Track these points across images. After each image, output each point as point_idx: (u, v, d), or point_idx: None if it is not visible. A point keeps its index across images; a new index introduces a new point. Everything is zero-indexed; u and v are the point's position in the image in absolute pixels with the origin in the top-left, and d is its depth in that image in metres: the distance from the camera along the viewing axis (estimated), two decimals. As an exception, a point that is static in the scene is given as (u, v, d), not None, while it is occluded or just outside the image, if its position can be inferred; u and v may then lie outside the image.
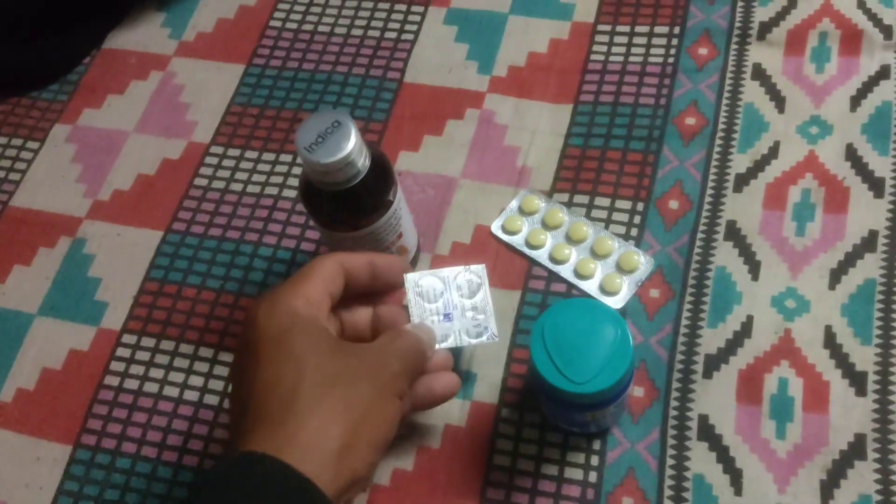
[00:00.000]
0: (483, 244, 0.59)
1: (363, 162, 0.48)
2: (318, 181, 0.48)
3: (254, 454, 0.39)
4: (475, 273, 0.52)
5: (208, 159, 0.65)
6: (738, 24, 0.64)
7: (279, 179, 0.63)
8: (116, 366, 0.58)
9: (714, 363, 0.53)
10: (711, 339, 0.53)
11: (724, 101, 0.61)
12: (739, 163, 0.59)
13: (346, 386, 0.41)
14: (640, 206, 0.58)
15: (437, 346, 0.49)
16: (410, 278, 0.50)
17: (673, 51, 0.64)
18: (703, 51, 0.63)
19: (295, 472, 0.38)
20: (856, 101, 0.60)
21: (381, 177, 0.50)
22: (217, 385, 0.56)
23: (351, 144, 0.46)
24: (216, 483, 0.39)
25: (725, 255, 0.56)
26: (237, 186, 0.63)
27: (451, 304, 0.52)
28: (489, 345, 0.51)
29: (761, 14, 0.64)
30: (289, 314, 0.43)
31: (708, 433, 0.51)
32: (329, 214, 0.51)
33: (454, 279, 0.52)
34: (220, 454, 0.54)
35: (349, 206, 0.50)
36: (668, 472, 0.50)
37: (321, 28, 0.70)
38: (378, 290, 0.50)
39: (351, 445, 0.40)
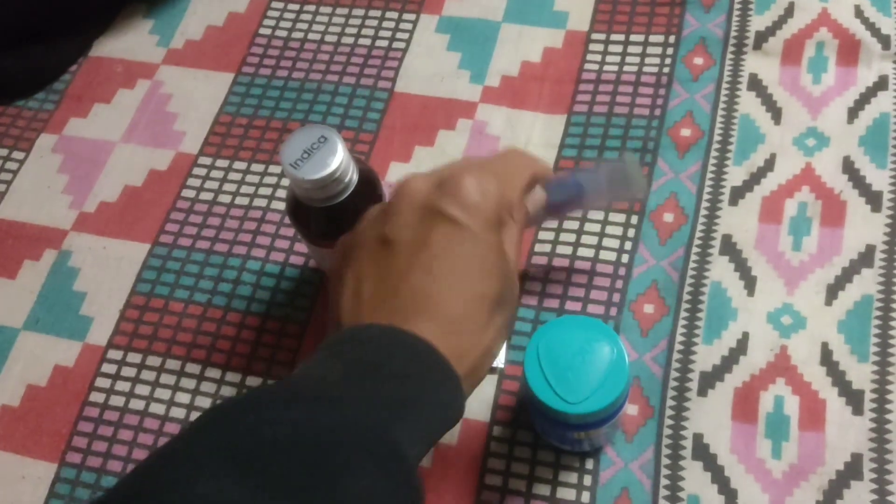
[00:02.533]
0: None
1: (350, 177, 0.47)
2: (305, 197, 0.47)
3: (379, 325, 0.38)
4: None
5: (196, 170, 0.64)
6: (734, 34, 0.63)
7: (268, 191, 0.62)
8: (102, 382, 0.57)
9: (709, 381, 0.52)
10: (706, 356, 0.53)
11: (720, 112, 0.60)
12: (735, 175, 0.58)
13: (481, 269, 0.41)
14: (634, 220, 0.57)
15: None
16: None
17: (668, 60, 0.63)
18: (698, 60, 0.63)
19: (426, 343, 0.38)
20: (853, 113, 0.59)
21: (368, 192, 0.49)
22: (204, 402, 0.55)
23: (337, 160, 0.45)
24: (349, 338, 0.39)
25: (721, 270, 0.55)
26: (225, 198, 0.62)
27: None
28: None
29: (758, 23, 0.63)
30: (493, 205, 0.42)
31: (702, 452, 0.50)
32: (316, 230, 0.50)
33: None
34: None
35: (336, 222, 0.49)
36: (663, 492, 0.49)
37: (311, 36, 0.69)
38: None
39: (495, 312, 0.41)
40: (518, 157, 0.46)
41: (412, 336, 0.38)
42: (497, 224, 0.42)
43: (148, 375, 0.57)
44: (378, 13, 0.69)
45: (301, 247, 0.60)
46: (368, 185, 0.49)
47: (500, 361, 0.54)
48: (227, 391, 0.55)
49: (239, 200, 0.62)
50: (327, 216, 0.48)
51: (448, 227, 0.40)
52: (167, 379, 0.56)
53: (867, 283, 0.53)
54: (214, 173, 0.63)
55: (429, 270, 0.39)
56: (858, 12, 0.62)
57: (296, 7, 0.70)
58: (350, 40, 0.68)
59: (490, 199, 0.41)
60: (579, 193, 0.50)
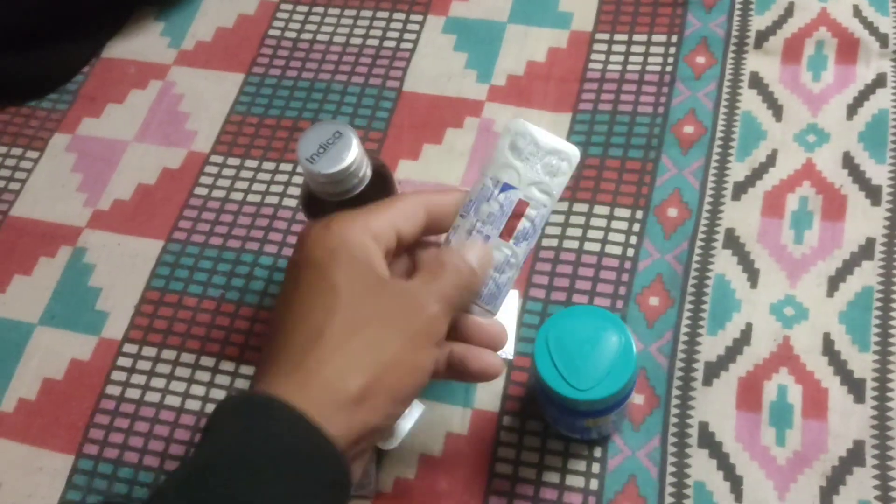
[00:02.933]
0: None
1: (364, 171, 0.48)
2: (320, 191, 0.48)
3: (262, 397, 0.36)
4: (507, 297, 0.52)
5: (208, 168, 0.65)
6: (735, 33, 0.64)
7: (279, 188, 0.63)
8: (118, 375, 0.58)
9: (714, 370, 0.53)
10: (711, 347, 0.54)
11: (722, 110, 0.62)
12: (737, 171, 0.59)
13: (376, 328, 0.38)
14: (639, 214, 0.59)
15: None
16: None
17: (671, 59, 0.64)
18: (700, 59, 0.64)
19: (304, 419, 0.35)
20: (852, 110, 0.60)
21: (381, 186, 0.50)
22: (219, 394, 0.56)
23: (352, 155, 0.46)
24: (217, 427, 0.37)
25: (724, 263, 0.56)
26: (237, 195, 0.64)
27: None
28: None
29: (758, 23, 0.65)
30: (338, 239, 0.39)
31: (708, 440, 0.51)
32: (331, 224, 0.51)
33: None
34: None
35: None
36: (669, 479, 0.51)
37: (320, 37, 0.70)
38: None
39: (370, 394, 0.37)
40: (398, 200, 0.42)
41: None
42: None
43: (163, 368, 0.58)
44: (386, 14, 0.70)
45: (312, 242, 0.61)
46: (382, 179, 0.50)
47: (509, 353, 0.55)
48: (241, 384, 0.57)
49: (251, 197, 0.63)
50: (341, 210, 0.49)
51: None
52: (182, 372, 0.57)
53: (867, 275, 0.54)
54: (226, 171, 0.65)
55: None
56: (857, 12, 0.63)
57: (304, 9, 0.71)
58: (358, 41, 0.69)
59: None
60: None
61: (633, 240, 0.58)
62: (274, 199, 0.63)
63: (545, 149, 0.42)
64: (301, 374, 0.37)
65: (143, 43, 0.72)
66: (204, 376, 0.57)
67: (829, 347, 0.53)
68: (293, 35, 0.70)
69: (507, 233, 0.42)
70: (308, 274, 0.39)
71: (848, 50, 0.62)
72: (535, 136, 0.42)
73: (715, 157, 0.60)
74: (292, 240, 0.61)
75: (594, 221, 0.59)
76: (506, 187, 0.42)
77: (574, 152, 0.42)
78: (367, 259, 0.39)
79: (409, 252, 0.43)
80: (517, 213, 0.42)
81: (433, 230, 0.42)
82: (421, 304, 0.39)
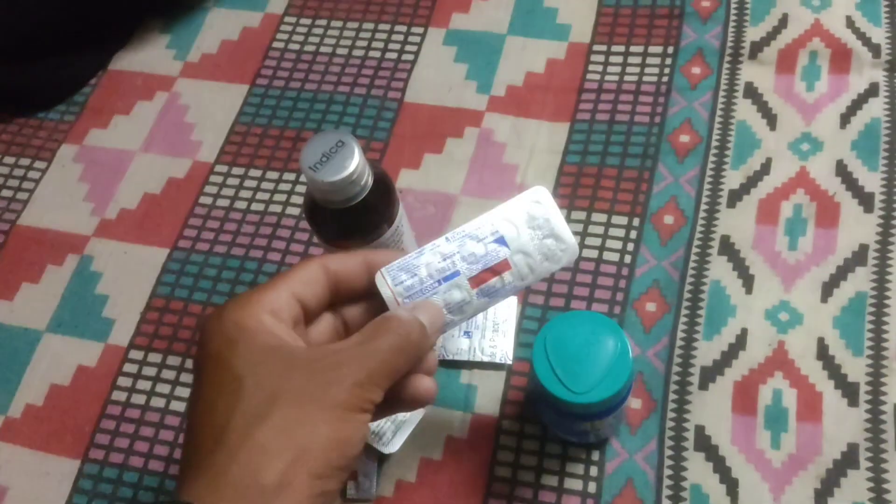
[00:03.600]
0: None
1: (366, 180, 0.49)
2: (323, 199, 0.49)
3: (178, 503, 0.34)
4: (506, 303, 0.54)
5: (213, 178, 0.66)
6: (730, 44, 0.66)
7: (283, 197, 0.64)
8: (124, 381, 0.59)
9: (710, 375, 0.54)
10: (707, 352, 0.55)
11: (717, 119, 0.63)
12: (732, 179, 0.60)
13: (287, 409, 0.35)
14: (635, 222, 0.59)
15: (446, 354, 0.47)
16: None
17: (667, 70, 0.65)
18: (696, 70, 0.65)
19: None
20: (846, 119, 0.61)
21: (383, 194, 0.51)
22: (223, 399, 0.57)
23: (354, 163, 0.47)
24: None
25: (720, 269, 0.57)
26: (241, 204, 0.65)
27: (474, 324, 0.54)
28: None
29: (753, 34, 0.66)
30: (234, 326, 0.37)
31: (704, 443, 0.52)
32: (333, 231, 0.52)
33: None
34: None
35: (353, 223, 0.51)
36: (666, 482, 0.51)
37: (323, 49, 0.71)
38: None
39: (290, 479, 0.34)
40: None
41: None
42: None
43: (168, 374, 0.59)
44: (387, 27, 0.71)
45: (316, 249, 0.62)
46: (383, 188, 0.51)
47: (507, 358, 0.56)
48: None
49: (254, 206, 0.64)
50: (343, 218, 0.50)
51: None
52: (187, 378, 0.58)
53: (861, 280, 0.55)
54: (231, 181, 0.66)
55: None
56: (850, 22, 0.64)
57: (308, 21, 0.73)
58: (360, 53, 0.70)
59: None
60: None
61: (630, 246, 0.59)
62: (277, 208, 0.64)
63: (553, 230, 0.41)
64: (211, 474, 0.34)
65: (149, 55, 0.73)
66: (208, 382, 0.58)
67: (823, 352, 0.54)
68: (296, 47, 0.72)
69: (475, 281, 0.40)
70: (209, 368, 0.37)
71: (841, 60, 0.63)
72: (549, 214, 0.41)
73: (710, 165, 0.61)
74: (296, 248, 0.62)
75: (592, 229, 0.60)
76: (500, 240, 0.41)
77: (574, 249, 0.41)
78: (270, 338, 0.37)
79: (351, 303, 0.41)
80: (495, 269, 0.41)
81: (340, 292, 0.40)
82: (344, 373, 0.36)
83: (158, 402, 0.58)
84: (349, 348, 0.37)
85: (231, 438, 0.34)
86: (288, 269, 0.40)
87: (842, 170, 0.59)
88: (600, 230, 0.60)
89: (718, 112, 0.63)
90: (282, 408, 0.35)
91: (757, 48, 0.65)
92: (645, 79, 0.65)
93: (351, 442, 0.36)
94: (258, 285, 0.39)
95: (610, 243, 0.59)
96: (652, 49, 0.66)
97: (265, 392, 0.35)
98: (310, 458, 0.35)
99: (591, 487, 0.52)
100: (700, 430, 0.52)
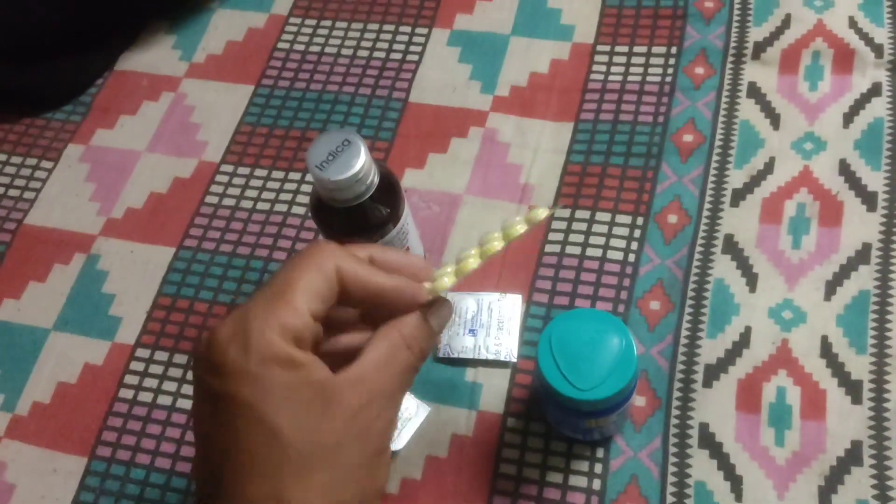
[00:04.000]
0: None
1: (372, 179, 0.50)
2: (329, 198, 0.50)
3: None
4: (511, 301, 0.54)
5: (219, 178, 0.67)
6: (733, 44, 0.66)
7: (288, 197, 0.65)
8: (130, 379, 0.59)
9: (714, 373, 0.54)
10: (711, 350, 0.55)
11: (721, 119, 0.63)
12: (736, 178, 0.60)
13: (330, 457, 0.35)
14: (639, 221, 0.60)
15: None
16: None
17: (670, 70, 0.66)
18: (699, 70, 0.65)
19: None
20: (848, 118, 0.61)
21: (389, 193, 0.52)
22: (229, 397, 0.57)
23: (360, 162, 0.48)
24: None
25: (723, 268, 0.57)
26: (247, 204, 0.65)
27: (479, 322, 0.55)
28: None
29: (756, 34, 0.66)
30: (263, 359, 0.34)
31: (709, 441, 0.52)
32: (339, 230, 0.52)
33: (488, 305, 0.56)
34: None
35: (358, 222, 0.51)
36: (670, 479, 0.51)
37: (328, 50, 0.71)
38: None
39: None
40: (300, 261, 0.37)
41: None
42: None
43: (175, 372, 0.59)
44: (392, 28, 0.72)
45: (321, 249, 0.62)
46: (389, 187, 0.51)
47: (512, 356, 0.56)
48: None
49: (260, 206, 0.65)
50: (349, 216, 0.50)
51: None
52: (193, 375, 0.59)
53: (864, 279, 0.56)
54: (236, 180, 0.66)
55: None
56: (852, 23, 0.65)
57: (313, 22, 0.73)
58: (365, 53, 0.71)
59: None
60: None
61: (635, 245, 0.59)
62: (283, 207, 0.64)
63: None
64: None
65: (155, 56, 0.74)
66: (214, 380, 0.58)
67: (826, 350, 0.54)
68: (302, 48, 0.72)
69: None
70: (238, 410, 0.35)
71: (844, 60, 0.63)
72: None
73: (714, 164, 0.61)
74: (301, 247, 0.63)
75: (596, 228, 0.60)
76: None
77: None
78: (299, 374, 0.35)
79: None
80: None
81: (342, 294, 0.38)
82: (371, 416, 0.36)
83: (165, 400, 0.58)
84: (372, 377, 0.37)
85: (281, 493, 0.34)
86: (300, 263, 0.37)
87: (845, 169, 0.60)
88: (604, 229, 0.60)
89: (722, 112, 0.63)
90: (327, 457, 0.35)
91: (760, 48, 0.65)
92: (648, 79, 0.66)
93: (382, 486, 0.38)
94: (272, 289, 0.36)
95: (614, 242, 0.59)
96: (655, 49, 0.67)
97: (307, 442, 0.35)
98: (352, 492, 0.36)
99: (596, 484, 0.52)
100: (704, 427, 0.53)
